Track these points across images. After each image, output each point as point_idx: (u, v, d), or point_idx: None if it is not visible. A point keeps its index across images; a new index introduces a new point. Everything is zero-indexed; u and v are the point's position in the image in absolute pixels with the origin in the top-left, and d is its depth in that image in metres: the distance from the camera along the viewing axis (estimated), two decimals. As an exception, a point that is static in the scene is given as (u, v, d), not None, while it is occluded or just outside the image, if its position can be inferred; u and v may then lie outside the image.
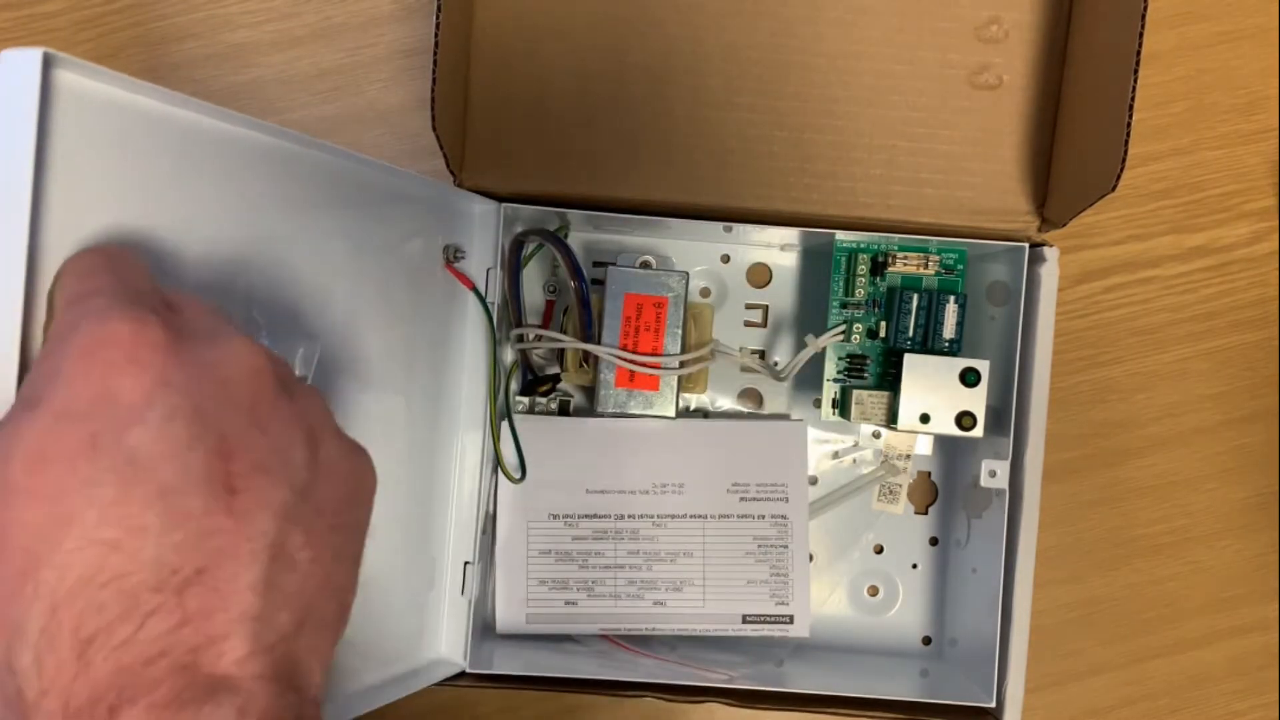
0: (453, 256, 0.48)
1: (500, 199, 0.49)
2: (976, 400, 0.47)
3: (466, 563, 0.49)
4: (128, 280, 0.25)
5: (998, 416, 0.49)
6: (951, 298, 0.49)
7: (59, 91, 0.25)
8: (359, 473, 0.28)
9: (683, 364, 0.50)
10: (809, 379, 0.53)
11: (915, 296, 0.49)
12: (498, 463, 0.50)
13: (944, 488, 0.55)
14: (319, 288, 0.37)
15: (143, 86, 0.28)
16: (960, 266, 0.50)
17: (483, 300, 0.49)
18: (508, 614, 0.51)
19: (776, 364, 0.53)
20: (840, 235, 0.50)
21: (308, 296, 0.37)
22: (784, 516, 0.51)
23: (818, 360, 0.50)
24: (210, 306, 0.27)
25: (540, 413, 0.53)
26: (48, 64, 0.25)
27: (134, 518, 0.22)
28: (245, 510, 0.23)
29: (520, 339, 0.51)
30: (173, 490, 0.22)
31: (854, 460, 0.55)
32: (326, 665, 0.26)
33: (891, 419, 0.48)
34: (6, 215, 0.24)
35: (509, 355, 0.51)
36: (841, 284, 0.51)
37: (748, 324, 0.54)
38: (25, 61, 0.24)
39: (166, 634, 0.22)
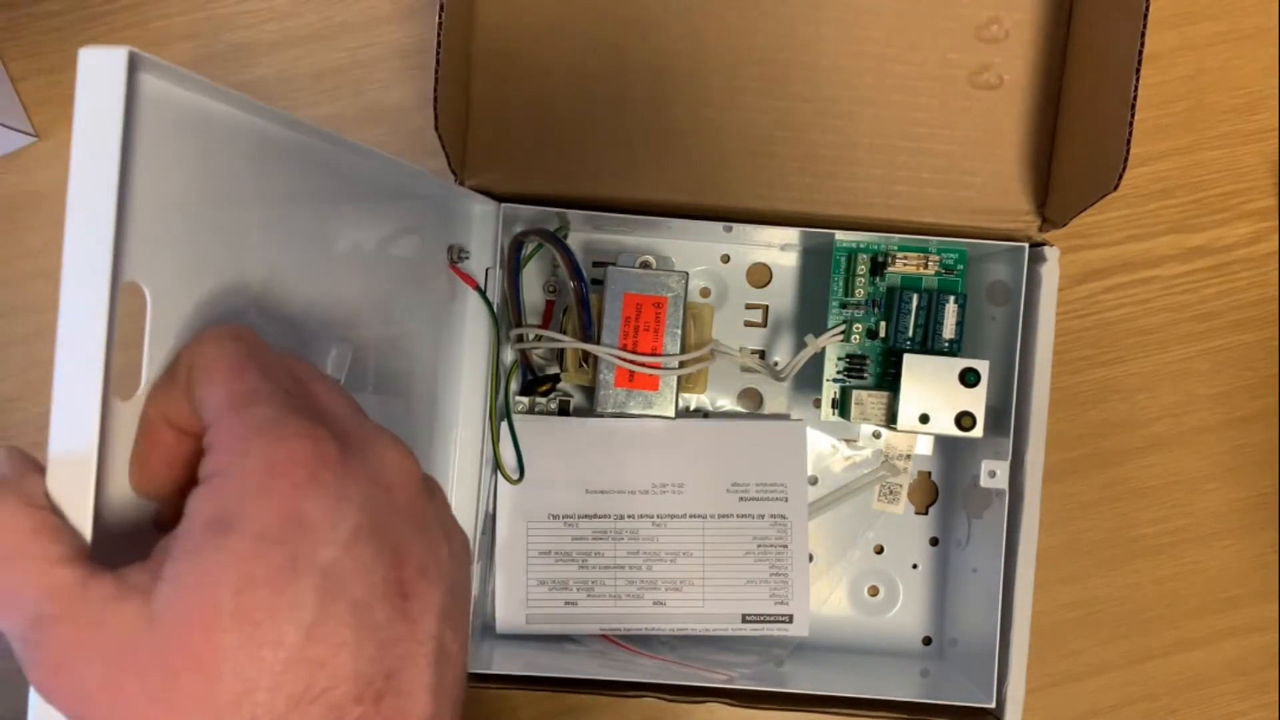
0: (457, 257, 0.48)
1: (500, 199, 0.49)
2: (976, 400, 0.47)
3: (466, 562, 0.49)
4: (275, 378, 0.26)
5: (998, 416, 0.49)
6: (951, 298, 0.49)
7: (143, 96, 0.24)
8: (470, 557, 0.29)
9: (682, 364, 0.50)
10: (809, 379, 0.53)
11: (915, 296, 0.49)
12: (496, 464, 0.50)
13: (944, 488, 0.55)
14: (337, 289, 0.37)
15: (208, 87, 0.27)
16: (960, 266, 0.50)
17: (487, 301, 0.49)
18: (507, 614, 0.51)
19: (776, 364, 0.53)
20: (840, 235, 0.50)
21: (333, 299, 0.37)
22: (783, 516, 0.51)
23: (818, 360, 0.50)
24: (339, 390, 0.28)
25: (540, 413, 0.53)
26: (133, 66, 0.23)
27: (334, 635, 0.23)
28: (417, 614, 0.25)
29: (520, 339, 0.51)
30: (363, 604, 0.23)
31: (854, 460, 0.55)
32: None
33: (891, 419, 0.48)
34: (92, 218, 0.23)
35: (509, 355, 0.51)
36: (841, 284, 0.51)
37: (748, 324, 0.54)
38: (109, 62, 0.23)
39: None
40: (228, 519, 0.23)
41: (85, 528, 0.24)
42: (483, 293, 0.49)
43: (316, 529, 0.23)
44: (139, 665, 0.22)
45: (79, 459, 0.23)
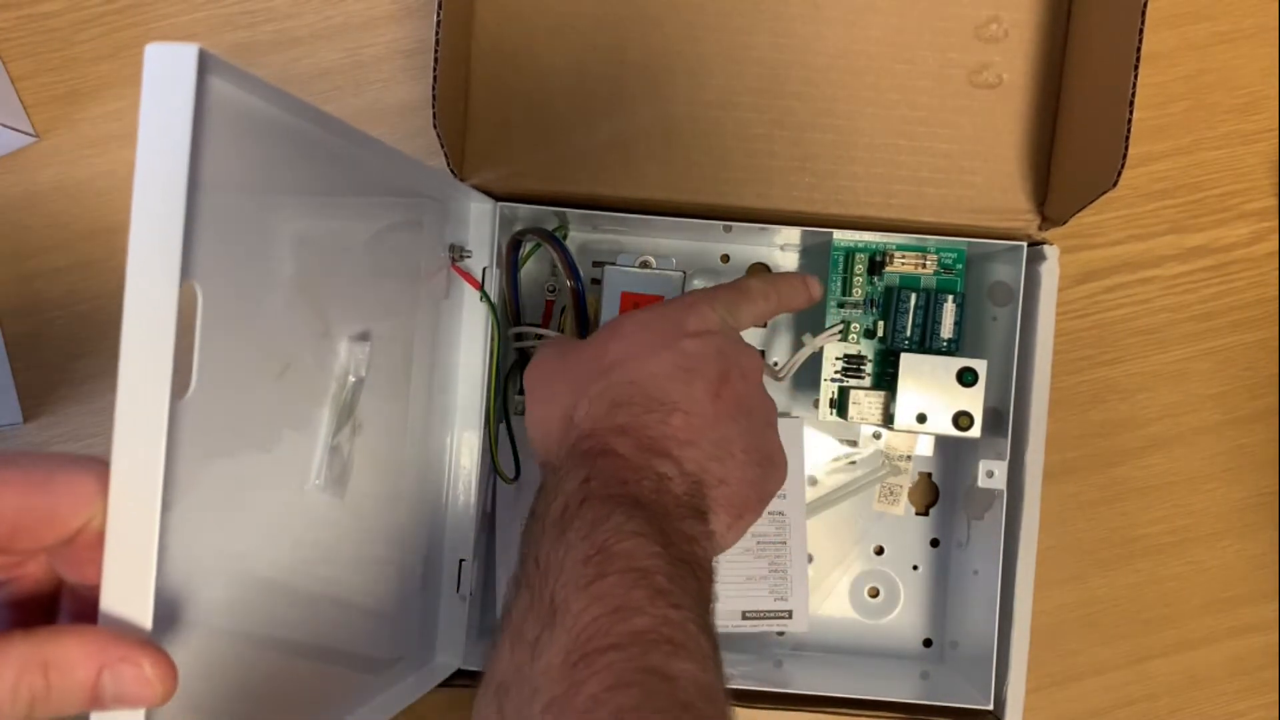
0: (459, 256, 0.48)
1: (498, 198, 0.49)
2: (974, 400, 0.47)
3: (461, 560, 0.49)
4: (728, 302, 0.42)
5: (999, 417, 0.49)
6: (950, 297, 0.49)
7: (211, 94, 0.24)
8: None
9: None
10: (808, 379, 0.53)
11: (913, 296, 0.49)
12: (493, 463, 0.50)
13: (945, 489, 0.54)
14: (346, 285, 0.37)
15: (256, 82, 0.27)
16: (959, 266, 0.50)
17: (491, 303, 0.49)
18: (507, 613, 0.51)
19: (775, 364, 0.53)
20: (837, 234, 0.50)
21: (345, 295, 0.37)
22: (781, 513, 0.51)
23: (817, 360, 0.50)
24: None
25: (539, 412, 0.52)
26: (202, 67, 0.24)
27: (665, 371, 0.38)
28: (720, 410, 0.39)
29: (519, 337, 0.51)
30: (691, 371, 0.39)
31: (854, 460, 0.54)
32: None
33: (888, 419, 0.48)
34: (160, 223, 0.23)
35: (508, 354, 0.51)
36: (839, 283, 0.50)
37: (747, 324, 0.54)
38: (178, 59, 0.23)
39: (655, 425, 0.37)
40: (651, 308, 0.41)
41: (152, 539, 0.24)
42: (485, 293, 0.49)
43: (689, 331, 0.39)
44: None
45: (145, 462, 0.24)
